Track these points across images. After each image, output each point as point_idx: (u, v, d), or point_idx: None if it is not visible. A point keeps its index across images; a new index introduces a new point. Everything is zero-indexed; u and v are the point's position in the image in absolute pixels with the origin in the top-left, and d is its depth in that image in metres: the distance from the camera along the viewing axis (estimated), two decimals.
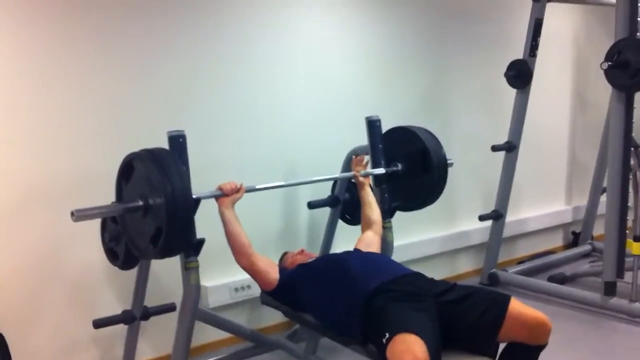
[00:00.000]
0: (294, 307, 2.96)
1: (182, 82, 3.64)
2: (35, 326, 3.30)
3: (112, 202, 2.77)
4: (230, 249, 2.88)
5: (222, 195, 2.86)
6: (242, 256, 2.88)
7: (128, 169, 2.69)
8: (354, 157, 3.53)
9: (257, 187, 3.06)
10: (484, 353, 2.44)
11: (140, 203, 2.59)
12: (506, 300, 2.49)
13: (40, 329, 3.32)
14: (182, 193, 2.52)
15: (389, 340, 2.25)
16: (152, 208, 2.56)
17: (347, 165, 3.73)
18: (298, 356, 3.33)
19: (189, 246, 2.75)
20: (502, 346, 2.54)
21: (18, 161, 3.17)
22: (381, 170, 3.46)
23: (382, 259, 3.00)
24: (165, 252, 2.62)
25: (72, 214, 2.50)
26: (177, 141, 2.78)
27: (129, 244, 2.80)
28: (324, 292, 2.78)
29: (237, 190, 2.89)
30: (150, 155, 2.57)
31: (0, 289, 3.17)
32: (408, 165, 3.50)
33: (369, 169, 3.46)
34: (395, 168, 3.50)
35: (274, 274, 2.95)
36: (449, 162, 3.48)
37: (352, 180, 3.53)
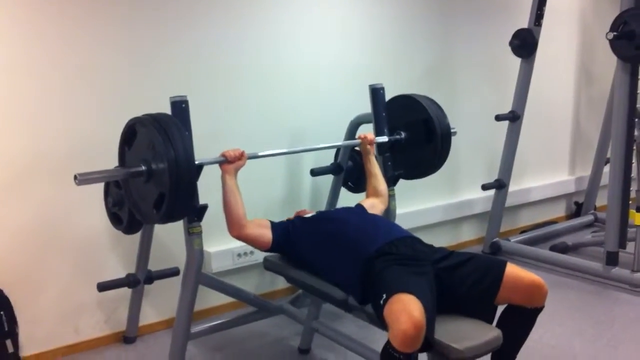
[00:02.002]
0: (292, 259, 3.00)
1: (185, 50, 3.63)
2: (40, 289, 3.34)
3: (115, 167, 2.79)
4: (225, 217, 2.87)
5: (225, 161, 2.85)
6: (235, 227, 2.87)
7: (131, 133, 2.71)
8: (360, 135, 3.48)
9: (260, 154, 3.07)
10: (482, 317, 2.47)
11: (143, 168, 2.61)
12: (502, 265, 2.51)
13: (45, 292, 3.36)
14: (185, 158, 2.53)
15: (386, 300, 2.28)
16: (155, 173, 2.58)
17: (351, 133, 3.74)
18: (300, 321, 3.36)
19: (191, 211, 2.77)
20: (499, 310, 2.57)
21: (21, 127, 3.18)
22: (384, 139, 3.47)
23: (381, 220, 3.00)
24: (168, 217, 2.64)
25: (75, 177, 2.52)
26: (180, 106, 2.78)
27: (132, 209, 2.83)
28: (324, 253, 2.81)
29: (240, 157, 2.88)
30: (152, 120, 2.58)
31: (6, 253, 3.21)
32: (411, 134, 3.51)
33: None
34: (398, 136, 3.51)
35: (267, 235, 2.95)
36: (452, 130, 3.48)
37: (356, 148, 3.53)
